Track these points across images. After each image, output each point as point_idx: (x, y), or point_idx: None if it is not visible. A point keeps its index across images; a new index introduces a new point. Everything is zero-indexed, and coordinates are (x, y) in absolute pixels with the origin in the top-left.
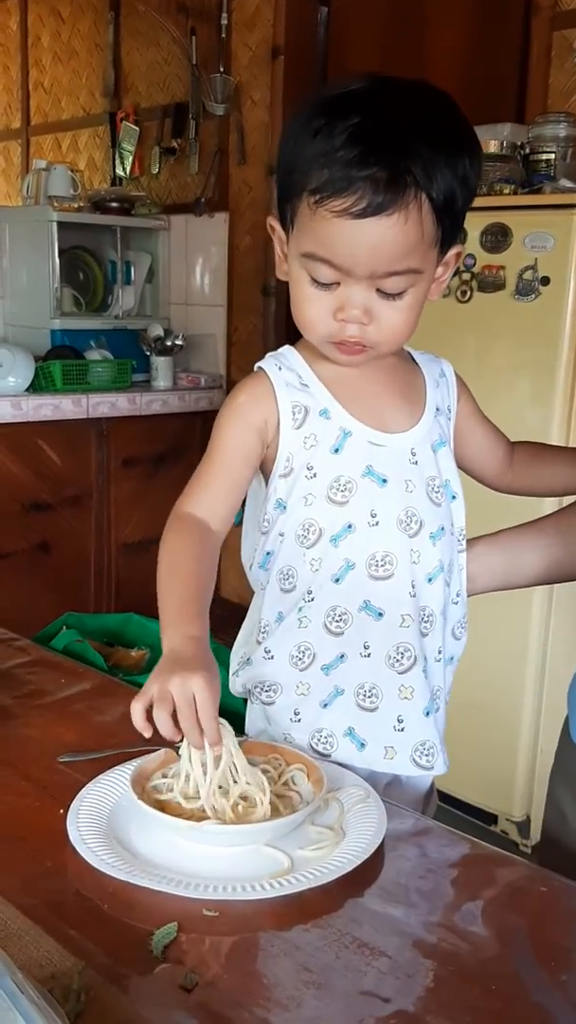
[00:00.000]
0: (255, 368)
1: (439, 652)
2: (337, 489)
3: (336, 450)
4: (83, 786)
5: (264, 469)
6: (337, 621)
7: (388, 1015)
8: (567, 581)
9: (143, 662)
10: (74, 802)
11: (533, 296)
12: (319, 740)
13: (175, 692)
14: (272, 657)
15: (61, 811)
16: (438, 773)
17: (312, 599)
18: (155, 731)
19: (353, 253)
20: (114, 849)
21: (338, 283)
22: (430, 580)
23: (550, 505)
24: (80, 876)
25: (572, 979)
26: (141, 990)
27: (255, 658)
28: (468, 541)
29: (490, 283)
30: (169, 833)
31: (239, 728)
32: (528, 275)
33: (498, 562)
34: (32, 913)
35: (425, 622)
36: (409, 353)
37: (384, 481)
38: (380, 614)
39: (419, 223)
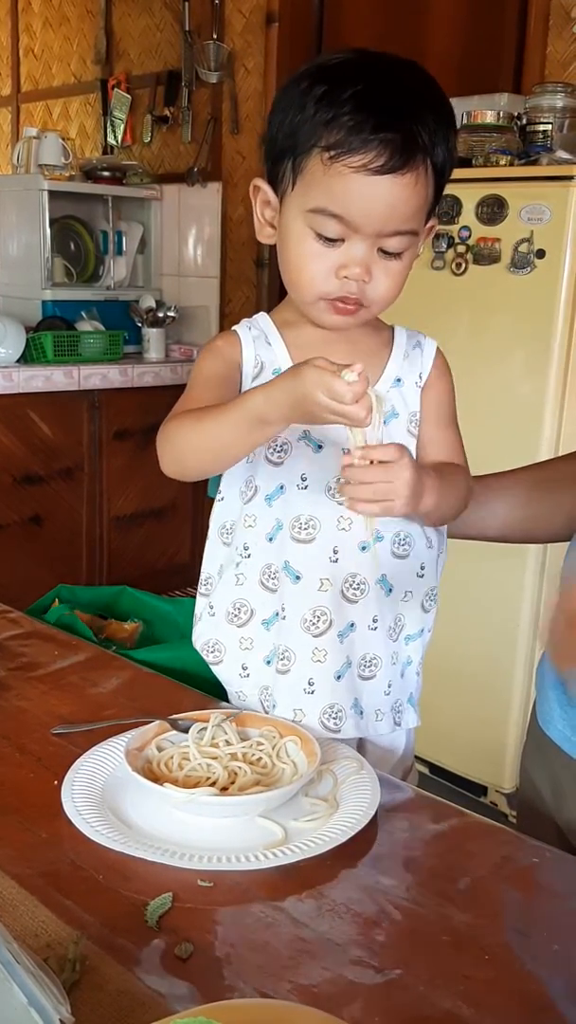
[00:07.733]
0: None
1: (374, 620)
2: (275, 450)
3: None
4: (77, 757)
5: None
6: (273, 578)
7: (381, 983)
8: (527, 543)
9: (136, 635)
10: (68, 773)
11: (528, 269)
12: (266, 696)
13: (310, 405)
14: (214, 614)
15: (56, 782)
16: (348, 736)
17: (248, 555)
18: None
19: (366, 209)
20: (109, 820)
21: (342, 240)
22: (364, 548)
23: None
24: (75, 847)
25: (563, 948)
26: (136, 960)
27: (203, 614)
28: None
29: (485, 255)
30: (163, 804)
31: (220, 694)
32: (524, 248)
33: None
34: (27, 883)
35: (355, 589)
36: (391, 329)
37: (319, 447)
38: (297, 577)
39: (425, 186)
